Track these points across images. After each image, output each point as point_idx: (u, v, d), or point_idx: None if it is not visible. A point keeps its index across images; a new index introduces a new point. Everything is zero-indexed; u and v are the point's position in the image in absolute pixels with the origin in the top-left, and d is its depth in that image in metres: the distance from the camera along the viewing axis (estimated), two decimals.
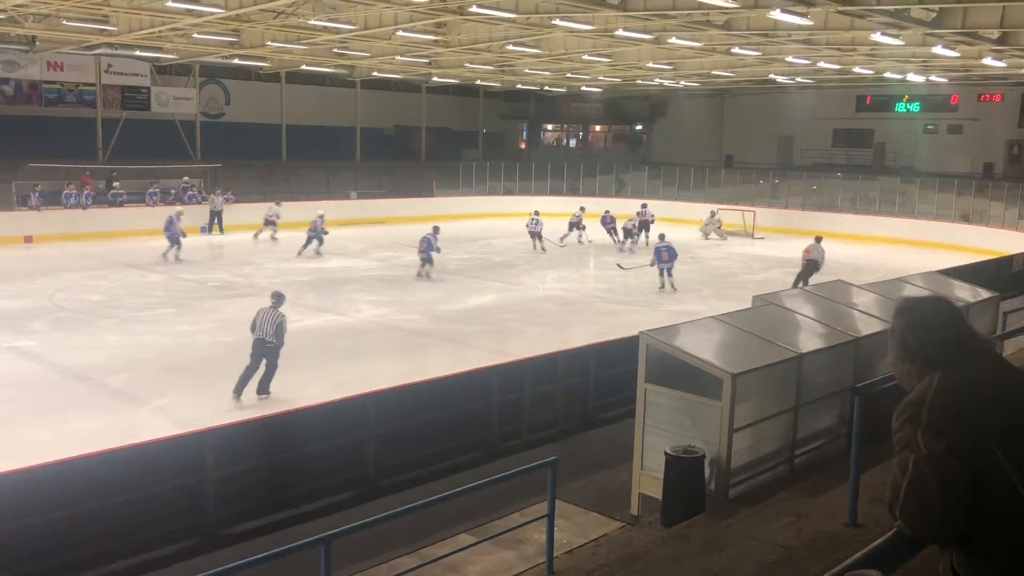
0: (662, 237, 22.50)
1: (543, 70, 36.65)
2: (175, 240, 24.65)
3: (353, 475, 8.57)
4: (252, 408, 11.24)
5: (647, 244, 27.86)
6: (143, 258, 25.38)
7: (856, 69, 31.53)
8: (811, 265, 22.10)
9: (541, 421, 10.57)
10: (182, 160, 36.75)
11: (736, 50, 27.19)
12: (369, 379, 12.33)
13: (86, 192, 30.98)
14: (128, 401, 12.13)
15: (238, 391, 11.79)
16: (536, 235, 27.99)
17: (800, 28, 22.05)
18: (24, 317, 16.94)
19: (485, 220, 36.20)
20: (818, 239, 23.19)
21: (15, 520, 6.67)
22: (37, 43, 31.28)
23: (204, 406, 11.48)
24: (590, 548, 7.28)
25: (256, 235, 29.57)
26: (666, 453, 7.65)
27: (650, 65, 32.39)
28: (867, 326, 9.78)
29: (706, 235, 32.86)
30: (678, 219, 34.44)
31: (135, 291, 20.19)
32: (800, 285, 20.66)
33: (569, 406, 11.08)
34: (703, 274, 24.97)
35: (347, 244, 29.10)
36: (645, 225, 29.91)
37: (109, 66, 35.86)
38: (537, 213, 28.91)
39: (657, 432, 8.20)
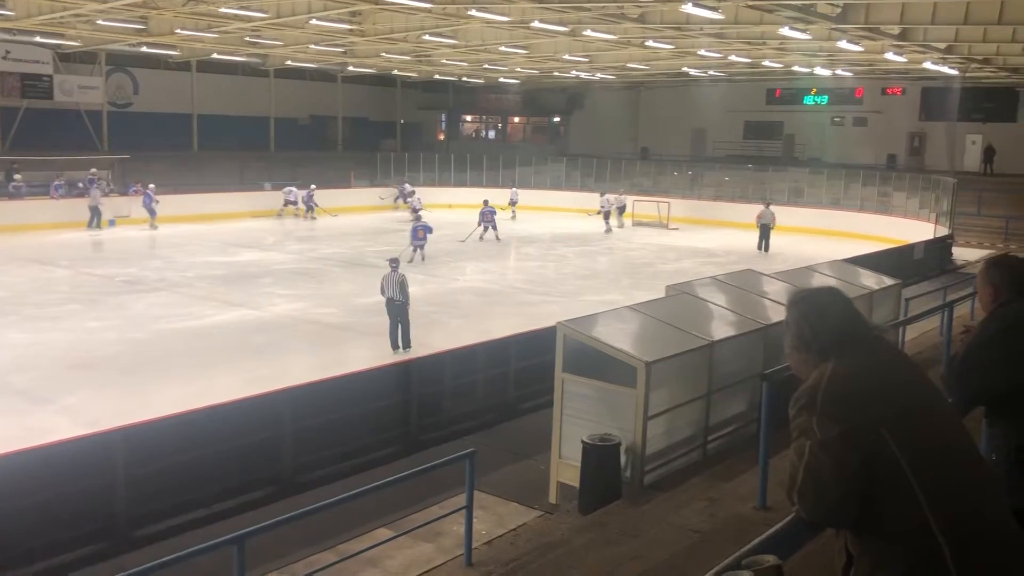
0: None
1: (460, 61, 36.55)
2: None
3: (269, 473, 8.46)
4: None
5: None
6: (48, 253, 24.47)
7: (766, 63, 32.32)
8: (765, 228, 27.83)
9: (461, 413, 10.59)
10: (89, 151, 35.46)
11: (650, 43, 27.57)
12: (286, 374, 12.17)
13: None
14: (33, 401, 11.70)
15: (394, 346, 14.05)
16: (491, 224, 28.58)
17: (712, 22, 22.50)
18: None
19: (404, 211, 35.94)
20: (767, 204, 29.05)
21: None
22: None
23: (113, 405, 11.15)
24: (509, 538, 7.34)
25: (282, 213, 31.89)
26: (583, 441, 7.76)
27: (566, 57, 32.59)
28: (776, 314, 10.06)
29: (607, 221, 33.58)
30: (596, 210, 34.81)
31: (40, 287, 19.46)
32: (762, 246, 27.60)
33: (489, 397, 11.13)
34: (620, 264, 25.33)
35: (261, 237, 28.60)
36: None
37: (7, 52, 34.32)
38: (487, 202, 29.29)
39: (575, 421, 8.31)
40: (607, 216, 32.22)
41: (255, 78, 41.98)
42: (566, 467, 8.26)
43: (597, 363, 8.26)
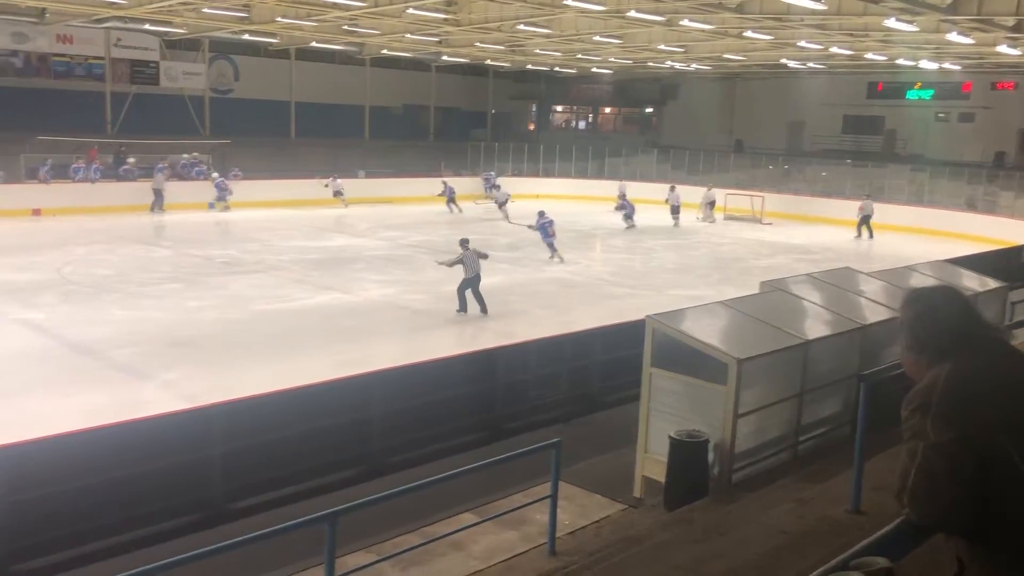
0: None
1: (554, 51, 36.46)
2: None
3: (358, 453, 8.62)
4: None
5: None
6: (151, 233, 25.46)
7: (869, 55, 31.30)
8: (865, 218, 29.62)
9: (545, 403, 10.59)
10: (190, 136, 36.68)
11: (748, 34, 26.99)
12: (374, 358, 12.40)
13: (94, 166, 31.04)
14: (135, 375, 12.18)
15: (484, 311, 16.08)
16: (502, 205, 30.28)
17: (814, 13, 21.89)
18: (32, 290, 17.00)
19: (491, 201, 36.10)
20: (868, 195, 30.60)
21: (27, 491, 6.73)
22: (47, 15, 31.16)
23: (210, 381, 11.54)
24: (592, 530, 7.32)
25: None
26: (670, 437, 7.67)
27: (661, 47, 32.16)
28: (874, 314, 9.77)
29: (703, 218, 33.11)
30: (689, 204, 34.39)
31: (142, 266, 20.24)
32: (861, 232, 29.58)
33: (573, 388, 11.10)
34: (710, 259, 24.94)
35: (354, 223, 29.12)
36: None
37: (118, 40, 35.70)
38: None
39: (662, 416, 8.22)
40: (676, 211, 31.48)
41: (351, 67, 42.68)
42: (652, 462, 8.19)
43: (686, 358, 8.15)
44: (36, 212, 27.63)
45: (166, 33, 35.09)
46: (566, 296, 18.86)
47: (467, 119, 49.05)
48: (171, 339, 13.84)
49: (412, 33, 32.20)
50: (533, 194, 38.05)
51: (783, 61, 36.13)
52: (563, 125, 54.51)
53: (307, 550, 6.17)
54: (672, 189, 32.65)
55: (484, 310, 16.23)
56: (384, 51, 39.09)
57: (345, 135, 42.45)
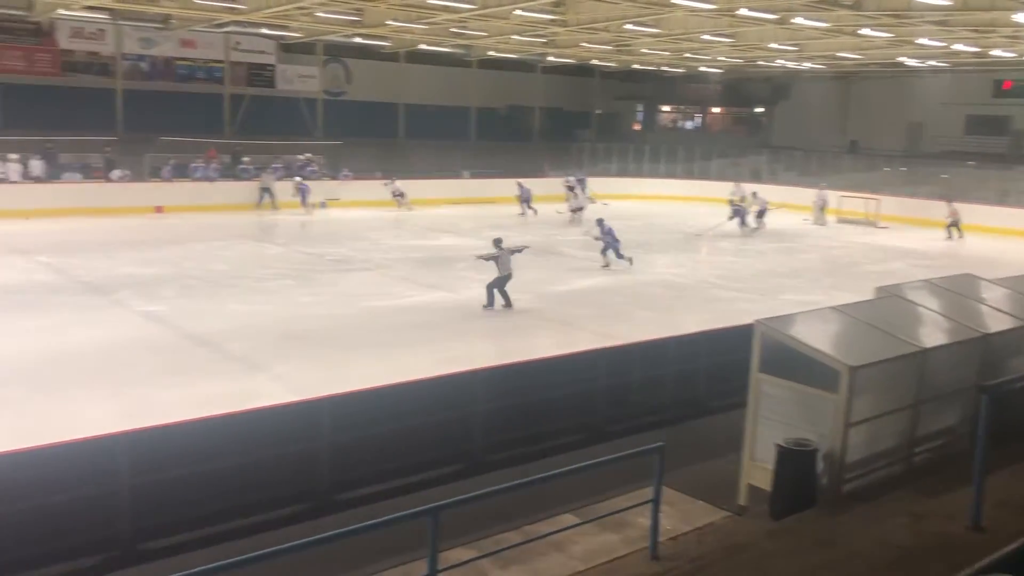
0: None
1: (661, 50, 36.08)
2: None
3: (460, 449, 8.71)
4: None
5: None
6: (265, 231, 26.35)
7: (995, 52, 29.83)
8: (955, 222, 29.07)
9: (648, 406, 10.48)
10: (303, 137, 37.80)
11: (865, 31, 26.12)
12: (476, 356, 12.50)
13: (212, 166, 32.36)
14: (248, 367, 12.61)
15: (509, 305, 16.40)
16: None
17: (936, 8, 21.03)
18: (154, 283, 17.81)
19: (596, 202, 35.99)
20: (950, 200, 30.02)
21: (148, 474, 7.05)
22: (171, 21, 32.64)
23: (320, 374, 11.85)
24: (695, 536, 7.20)
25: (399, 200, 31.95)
26: (777, 445, 7.48)
27: (773, 46, 31.43)
28: (997, 322, 9.32)
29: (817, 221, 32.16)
30: (799, 206, 33.54)
31: (257, 262, 20.95)
32: (951, 234, 29.01)
33: (678, 392, 10.95)
34: (822, 263, 24.22)
35: (458, 223, 29.44)
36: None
37: (237, 44, 37.12)
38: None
39: (769, 423, 8.02)
40: (740, 214, 29.61)
41: (458, 69, 43.21)
42: (758, 469, 8.00)
43: (795, 365, 7.93)
44: (159, 209, 28.94)
45: (282, 37, 36.28)
46: (670, 299, 18.62)
47: (572, 120, 49.01)
48: (283, 333, 14.27)
49: (519, 34, 32.38)
50: (639, 195, 37.76)
51: (901, 59, 34.81)
52: (670, 125, 53.85)
53: (408, 544, 6.25)
54: (754, 195, 31.53)
55: (509, 304, 16.51)
56: (491, 53, 39.42)
57: (452, 136, 43.02)
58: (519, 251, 17.18)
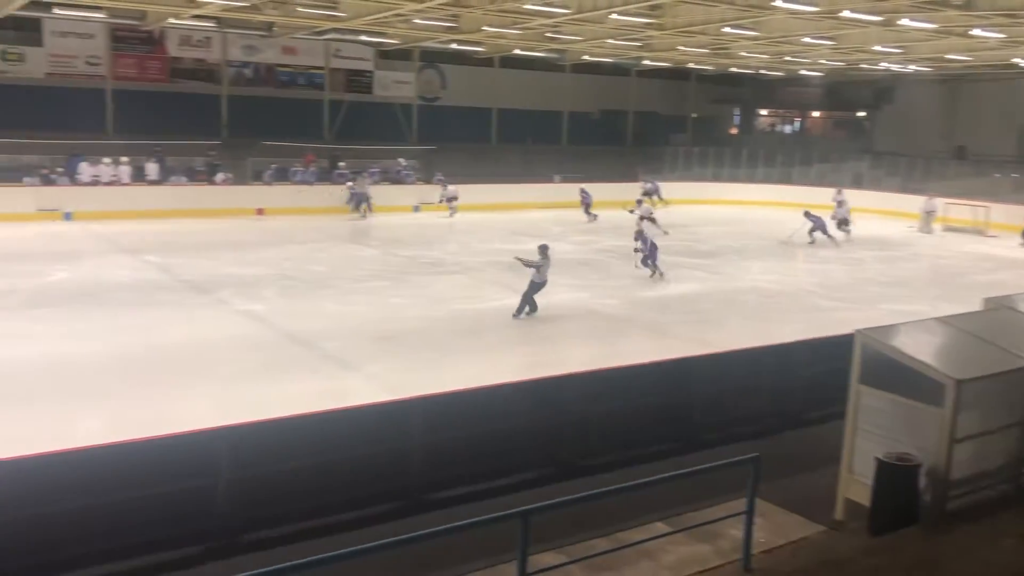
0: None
1: (760, 53, 35.40)
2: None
3: (550, 453, 8.69)
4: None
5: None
6: (360, 233, 26.87)
7: None
8: None
9: (743, 416, 10.27)
10: (399, 142, 38.43)
11: (976, 32, 25.09)
12: (566, 361, 12.49)
13: (311, 170, 33.23)
14: (342, 366, 12.87)
15: (535, 310, 15.91)
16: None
17: None
18: (254, 283, 18.35)
19: (690, 207, 35.57)
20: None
21: (247, 468, 7.25)
22: (274, 29, 33.64)
23: (411, 375, 12.01)
24: (789, 549, 7.01)
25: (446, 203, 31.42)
26: (877, 459, 7.22)
27: (877, 48, 30.48)
28: None
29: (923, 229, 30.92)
30: (902, 213, 32.44)
31: (352, 264, 21.38)
32: None
33: (774, 403, 10.69)
34: (927, 272, 23.37)
35: (548, 227, 29.45)
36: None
37: (337, 51, 38.00)
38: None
39: (868, 436, 7.76)
40: (819, 226, 26.88)
41: (551, 73, 43.27)
42: (856, 484, 7.74)
43: (897, 377, 7.65)
44: (260, 212, 29.82)
45: (380, 44, 36.98)
46: (766, 306, 18.22)
47: (666, 124, 48.49)
48: (376, 333, 14.51)
49: (614, 38, 32.23)
50: (734, 200, 37.14)
51: (1015, 60, 33.30)
52: (768, 129, 52.76)
53: (497, 546, 6.26)
54: (839, 204, 29.15)
55: (534, 310, 16.08)
56: (585, 57, 39.35)
57: (544, 140, 43.10)
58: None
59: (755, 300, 18.75)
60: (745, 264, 22.98)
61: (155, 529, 6.88)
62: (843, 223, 28.26)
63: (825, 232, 26.87)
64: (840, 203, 29.08)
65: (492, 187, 34.19)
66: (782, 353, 11.21)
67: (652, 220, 25.53)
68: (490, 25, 28.88)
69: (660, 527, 7.21)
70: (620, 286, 19.54)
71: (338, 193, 31.03)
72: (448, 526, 4.95)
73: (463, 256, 23.02)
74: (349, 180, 31.73)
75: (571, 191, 35.05)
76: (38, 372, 11.85)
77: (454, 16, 29.13)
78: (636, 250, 20.77)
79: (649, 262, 20.32)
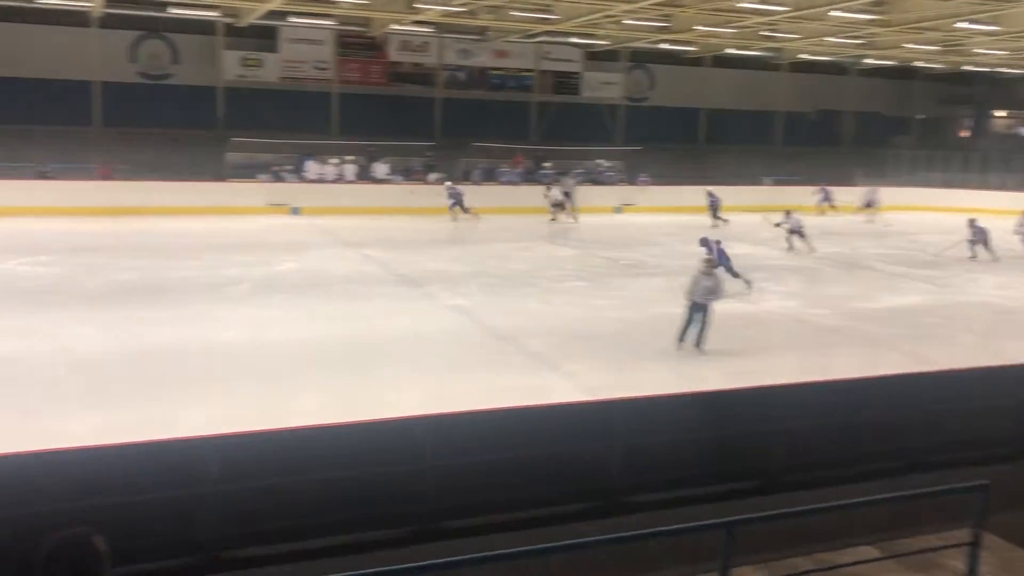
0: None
1: (997, 50, 32.69)
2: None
3: (757, 466, 8.39)
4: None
5: None
6: (561, 234, 27.12)
7: None
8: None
9: (970, 439, 9.48)
10: (604, 143, 38.51)
11: None
12: (769, 371, 12.03)
13: (517, 170, 33.96)
14: (543, 363, 13.02)
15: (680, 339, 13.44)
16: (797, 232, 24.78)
17: None
18: (460, 279, 18.97)
19: (913, 213, 33.39)
20: None
21: (446, 457, 7.47)
22: (488, 33, 34.63)
23: (610, 376, 11.98)
24: None
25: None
26: None
27: None
28: None
29: None
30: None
31: (553, 264, 21.63)
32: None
33: (1008, 426, 9.81)
34: None
35: (755, 231, 28.52)
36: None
37: (547, 53, 38.60)
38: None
39: None
40: (981, 237, 23.89)
41: (764, 72, 41.95)
42: None
43: None
44: (466, 211, 30.72)
45: (589, 45, 37.22)
46: (998, 322, 16.80)
47: (888, 125, 45.80)
48: (576, 333, 14.60)
49: (834, 36, 30.78)
50: (965, 207, 34.44)
51: None
52: (1005, 132, 48.61)
53: (695, 555, 6.11)
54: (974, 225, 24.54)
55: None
56: (802, 55, 37.83)
57: (754, 141, 41.84)
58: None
59: (986, 316, 17.32)
60: (975, 277, 21.27)
61: (358, 508, 7.17)
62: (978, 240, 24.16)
63: (987, 245, 23.53)
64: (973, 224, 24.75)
65: (699, 189, 33.55)
66: (1020, 375, 10.27)
67: (801, 234, 23.82)
68: (703, 24, 28.37)
69: (869, 551, 6.77)
70: (832, 295, 18.62)
71: (543, 194, 31.38)
72: (652, 530, 4.87)
73: (665, 259, 22.73)
74: (448, 181, 30.91)
75: (784, 194, 33.83)
76: (260, 354, 12.75)
77: (666, 16, 28.85)
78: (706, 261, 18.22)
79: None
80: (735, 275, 17.84)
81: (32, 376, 11.34)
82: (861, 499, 5.84)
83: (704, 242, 18.16)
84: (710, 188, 31.32)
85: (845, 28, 29.04)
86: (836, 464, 8.59)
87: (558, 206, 29.92)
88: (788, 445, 8.44)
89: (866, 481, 8.36)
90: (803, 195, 33.04)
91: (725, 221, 30.04)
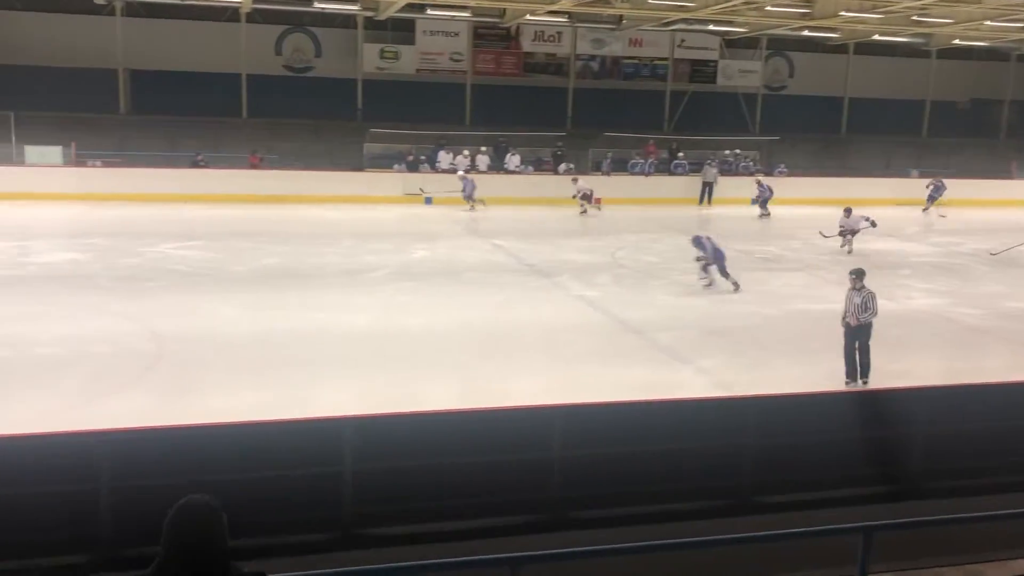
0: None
1: None
2: None
3: (892, 471, 8.09)
4: None
5: None
6: (696, 225, 26.66)
7: None
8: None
9: None
10: (740, 132, 37.59)
11: None
12: (910, 372, 11.56)
13: (650, 161, 33.58)
14: (675, 357, 12.90)
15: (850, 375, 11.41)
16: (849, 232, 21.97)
17: None
18: (590, 270, 18.96)
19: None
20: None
21: (578, 448, 7.53)
22: (623, 21, 34.33)
23: (745, 373, 11.76)
24: None
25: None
26: None
27: None
28: None
29: None
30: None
31: (685, 256, 21.23)
32: None
33: None
34: None
35: (901, 226, 27.32)
36: None
37: (682, 41, 37.92)
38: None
39: None
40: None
41: (912, 59, 39.92)
42: None
43: None
44: (597, 201, 30.62)
45: (726, 33, 36.35)
46: None
47: None
48: (708, 328, 14.38)
49: (992, 19, 29.01)
50: None
51: None
52: None
53: (825, 558, 5.95)
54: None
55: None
56: (955, 41, 35.84)
57: (900, 132, 39.96)
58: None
59: None
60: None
61: (484, 493, 7.29)
62: None
63: None
64: None
65: (841, 180, 32.37)
66: None
67: (852, 232, 21.70)
68: (848, 9, 27.28)
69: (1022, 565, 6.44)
70: (984, 294, 17.66)
71: (572, 182, 29.65)
72: (784, 531, 4.79)
73: (804, 253, 22.06)
74: (461, 170, 30.03)
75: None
76: (394, 339, 13.10)
77: (808, 1, 27.90)
78: (698, 258, 17.43)
79: (713, 269, 17.14)
80: (725, 275, 16.95)
81: (185, 355, 12.07)
82: (1013, 511, 5.54)
83: (696, 241, 17.38)
84: (760, 178, 30.36)
85: (1006, 11, 27.29)
86: (983, 471, 8.19)
87: (586, 198, 28.75)
88: (928, 449, 8.10)
89: (1007, 492, 7.94)
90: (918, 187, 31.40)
91: (768, 213, 28.98)
